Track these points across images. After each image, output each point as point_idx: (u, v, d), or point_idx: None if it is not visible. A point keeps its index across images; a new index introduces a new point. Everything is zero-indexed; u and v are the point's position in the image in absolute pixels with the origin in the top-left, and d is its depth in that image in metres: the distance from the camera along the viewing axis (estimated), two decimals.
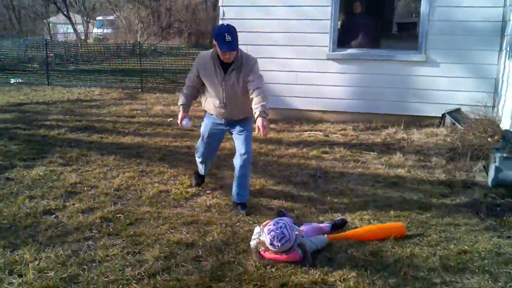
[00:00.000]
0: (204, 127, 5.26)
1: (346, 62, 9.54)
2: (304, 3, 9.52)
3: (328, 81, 9.61)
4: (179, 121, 5.22)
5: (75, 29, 39.96)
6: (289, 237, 3.78)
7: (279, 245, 3.76)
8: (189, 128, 6.56)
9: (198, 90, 5.20)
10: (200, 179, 5.75)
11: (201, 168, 5.64)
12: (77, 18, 42.84)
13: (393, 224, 4.54)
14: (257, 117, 4.51)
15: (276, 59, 9.74)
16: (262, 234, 3.92)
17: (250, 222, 4.69)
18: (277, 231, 3.78)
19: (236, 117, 5.06)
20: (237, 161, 4.98)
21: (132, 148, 7.46)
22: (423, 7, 9.01)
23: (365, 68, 9.49)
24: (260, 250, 3.89)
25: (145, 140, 7.95)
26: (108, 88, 14.63)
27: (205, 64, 4.88)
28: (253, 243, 4.02)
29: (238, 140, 5.03)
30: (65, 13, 41.99)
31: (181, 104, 5.21)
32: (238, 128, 5.05)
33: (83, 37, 39.62)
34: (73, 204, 5.09)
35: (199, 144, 5.42)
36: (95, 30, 43.06)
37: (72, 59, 21.06)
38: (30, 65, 19.83)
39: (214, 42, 4.69)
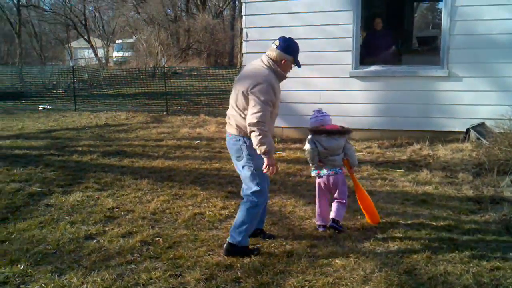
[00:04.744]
0: (258, 157, 4.37)
1: (369, 79, 9.67)
2: (326, 22, 9.69)
3: (351, 99, 9.72)
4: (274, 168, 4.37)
5: (96, 54, 40.66)
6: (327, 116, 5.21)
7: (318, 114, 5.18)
8: None
9: None
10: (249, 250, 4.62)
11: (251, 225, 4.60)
12: (96, 42, 43.66)
13: (375, 212, 5.25)
14: None
15: (299, 78, 9.85)
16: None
17: (284, 243, 4.82)
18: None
19: None
20: None
21: (164, 171, 7.65)
22: (444, 22, 9.13)
23: (388, 84, 9.60)
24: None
25: (175, 163, 8.13)
26: (133, 112, 14.96)
27: (276, 86, 4.35)
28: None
29: None
30: (85, 37, 42.86)
31: (272, 148, 4.29)
32: None
33: (103, 61, 40.30)
34: (113, 228, 5.27)
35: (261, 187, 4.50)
36: (114, 54, 43.75)
37: (95, 84, 21.47)
38: (55, 91, 20.23)
39: (286, 57, 4.37)
